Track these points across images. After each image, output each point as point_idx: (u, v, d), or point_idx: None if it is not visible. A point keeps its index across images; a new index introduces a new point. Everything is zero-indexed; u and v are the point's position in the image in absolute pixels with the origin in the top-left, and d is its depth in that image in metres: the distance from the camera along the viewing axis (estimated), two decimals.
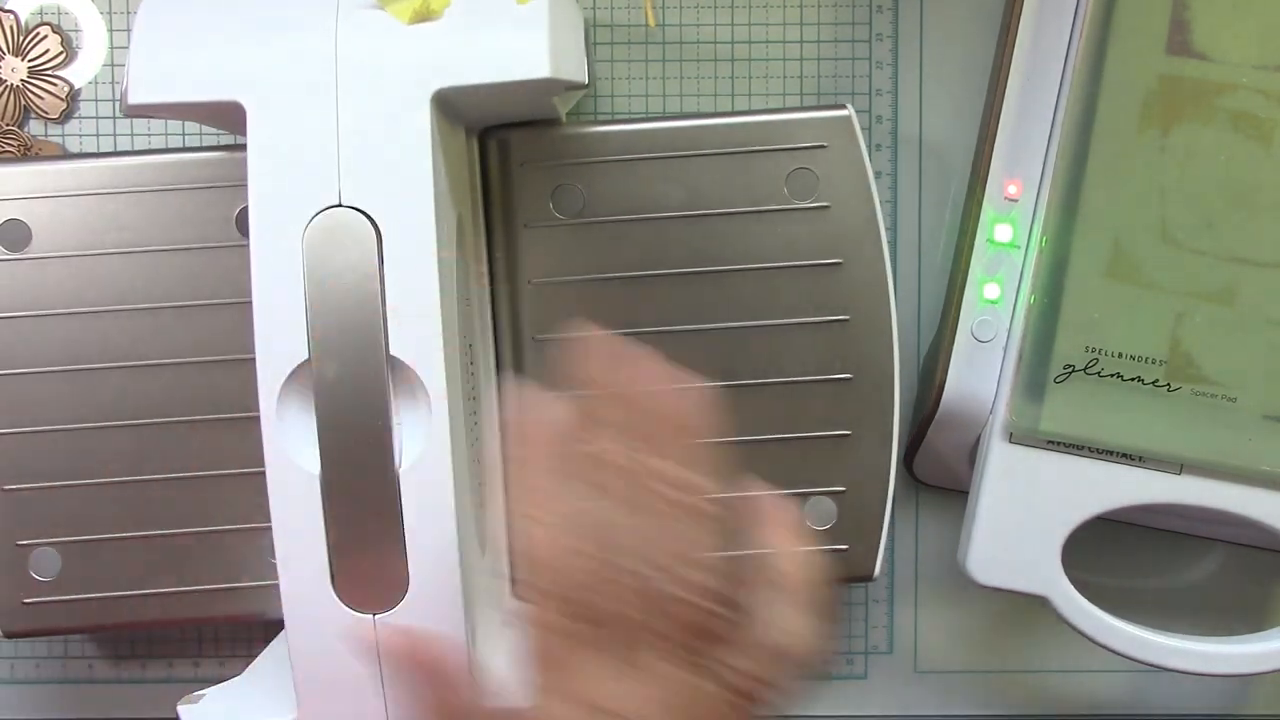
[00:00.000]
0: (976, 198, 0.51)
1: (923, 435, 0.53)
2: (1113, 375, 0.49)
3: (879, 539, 0.52)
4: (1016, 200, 0.51)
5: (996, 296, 0.51)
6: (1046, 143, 0.51)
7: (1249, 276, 0.49)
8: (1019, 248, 0.51)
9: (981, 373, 0.51)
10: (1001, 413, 0.50)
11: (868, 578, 0.52)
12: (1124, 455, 0.50)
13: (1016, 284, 0.51)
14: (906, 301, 0.58)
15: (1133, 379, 0.49)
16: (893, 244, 0.57)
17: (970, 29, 0.57)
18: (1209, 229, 0.49)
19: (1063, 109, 0.50)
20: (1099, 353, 0.49)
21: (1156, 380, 0.49)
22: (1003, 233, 0.51)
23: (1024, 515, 0.49)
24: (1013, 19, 0.51)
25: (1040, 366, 0.50)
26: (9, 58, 0.57)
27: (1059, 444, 0.50)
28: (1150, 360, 0.49)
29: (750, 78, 0.57)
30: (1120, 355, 0.49)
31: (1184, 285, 0.49)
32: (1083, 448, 0.50)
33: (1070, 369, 0.49)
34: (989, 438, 0.51)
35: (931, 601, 0.59)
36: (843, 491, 0.52)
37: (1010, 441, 0.50)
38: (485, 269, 0.53)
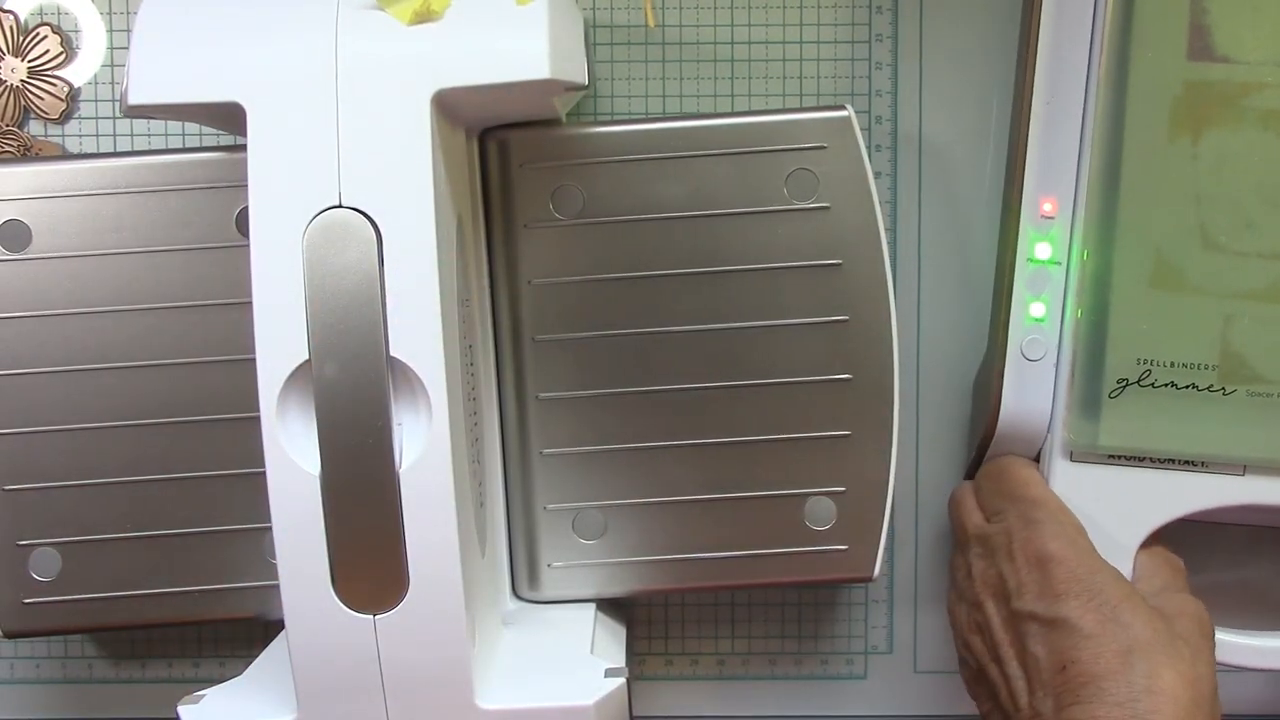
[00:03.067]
0: (1013, 217, 0.51)
1: (983, 455, 0.53)
2: (1166, 385, 0.49)
3: (879, 539, 0.52)
4: (1053, 217, 0.51)
5: (1042, 315, 0.51)
6: (1077, 158, 0.51)
7: None
8: (1060, 264, 0.51)
9: (1034, 390, 0.51)
10: (1060, 432, 0.51)
11: (867, 578, 0.52)
12: (1186, 462, 0.50)
13: (1061, 301, 0.51)
14: (906, 301, 0.58)
15: (1187, 386, 0.49)
16: (892, 244, 0.57)
17: (970, 30, 0.57)
18: (1249, 229, 0.49)
19: (1090, 124, 0.50)
20: (1151, 364, 0.49)
21: (1211, 385, 0.49)
22: (1042, 250, 0.51)
23: (1092, 531, 0.49)
24: (1030, 35, 0.51)
25: (1093, 383, 0.50)
26: (9, 58, 0.57)
27: (1120, 458, 0.51)
28: (1202, 366, 0.49)
29: (750, 78, 0.57)
30: (1172, 364, 0.49)
31: (1229, 287, 0.49)
32: (1144, 459, 0.51)
33: (1124, 383, 0.49)
34: (1050, 458, 0.51)
35: (931, 602, 0.59)
36: (842, 491, 0.52)
37: (1071, 460, 0.51)
38: (485, 269, 0.53)
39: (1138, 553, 0.51)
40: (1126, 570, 0.50)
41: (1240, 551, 0.57)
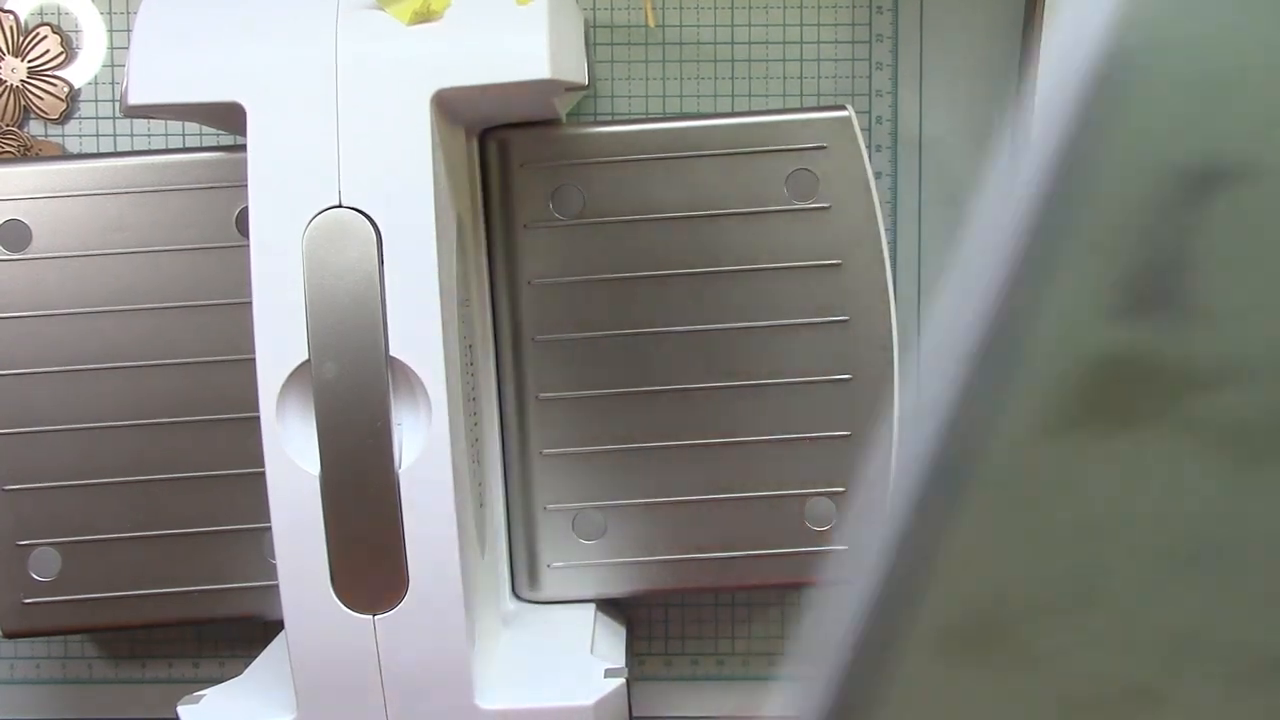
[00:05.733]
0: None
1: None
2: None
3: None
4: None
5: None
6: None
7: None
8: None
9: None
10: None
11: None
12: None
13: None
14: (906, 302, 0.58)
15: None
16: (893, 245, 0.57)
17: (971, 30, 0.57)
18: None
19: None
20: None
21: None
22: None
23: None
24: (1034, 30, 0.51)
25: None
26: (9, 58, 0.57)
27: None
28: None
29: (750, 78, 0.57)
30: None
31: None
32: None
33: None
34: None
35: None
36: (843, 492, 0.52)
37: None
38: (485, 269, 0.53)
39: None
40: None
41: None
